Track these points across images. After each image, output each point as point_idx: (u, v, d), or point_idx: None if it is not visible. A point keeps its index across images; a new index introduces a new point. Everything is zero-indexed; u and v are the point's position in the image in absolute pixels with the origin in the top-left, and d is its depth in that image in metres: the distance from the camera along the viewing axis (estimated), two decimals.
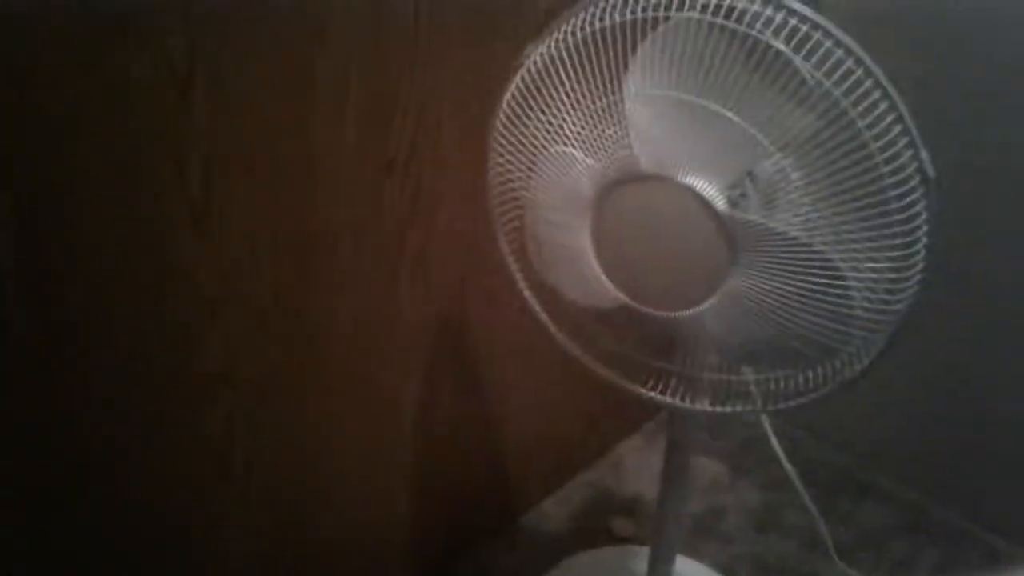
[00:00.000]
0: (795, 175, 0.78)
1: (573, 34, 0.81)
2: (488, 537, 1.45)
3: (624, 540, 1.47)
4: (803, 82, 0.73)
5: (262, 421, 0.99)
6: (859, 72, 0.72)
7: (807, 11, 0.72)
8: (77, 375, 0.82)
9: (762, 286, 0.80)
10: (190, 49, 0.78)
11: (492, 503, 1.46)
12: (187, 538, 0.99)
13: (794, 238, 0.78)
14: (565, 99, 0.84)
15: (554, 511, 1.52)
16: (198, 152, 0.83)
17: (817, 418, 1.59)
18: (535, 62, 0.84)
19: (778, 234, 0.78)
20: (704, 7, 0.74)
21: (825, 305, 0.78)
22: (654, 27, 0.77)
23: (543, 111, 0.85)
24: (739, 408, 0.93)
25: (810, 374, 0.87)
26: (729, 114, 0.75)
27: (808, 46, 0.72)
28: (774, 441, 1.07)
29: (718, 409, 0.95)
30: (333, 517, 1.15)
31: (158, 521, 0.95)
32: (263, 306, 0.94)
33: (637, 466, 1.63)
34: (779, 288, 0.79)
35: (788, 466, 1.12)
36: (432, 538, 1.34)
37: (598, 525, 1.50)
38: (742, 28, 0.72)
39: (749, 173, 0.81)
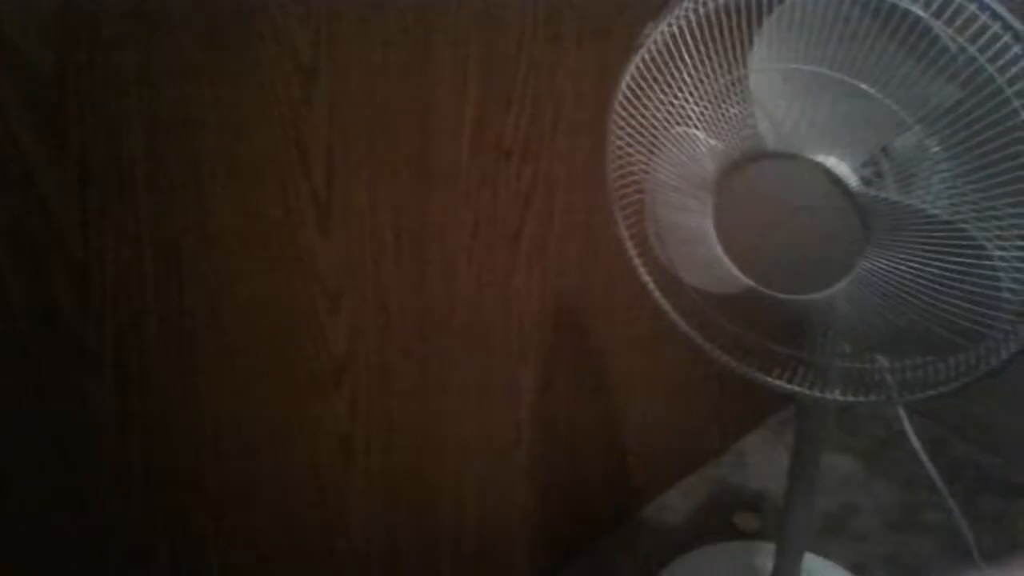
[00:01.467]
0: (935, 149, 0.74)
1: (695, 10, 0.78)
2: (610, 528, 1.43)
3: (748, 535, 1.43)
4: (944, 50, 0.69)
5: (383, 406, 1.01)
6: (1007, 37, 0.67)
7: None
8: (204, 364, 0.85)
9: (900, 267, 0.76)
10: (315, 38, 0.79)
11: (613, 493, 1.44)
12: (314, 517, 1.01)
13: (934, 216, 0.73)
14: (687, 78, 0.82)
15: (677, 504, 1.49)
16: (321, 144, 0.84)
17: (963, 417, 1.51)
18: (655, 41, 0.82)
19: (916, 212, 0.74)
20: None
21: (969, 287, 0.73)
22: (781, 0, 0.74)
23: (664, 91, 0.83)
24: (873, 398, 0.89)
25: (951, 362, 0.81)
26: (864, 86, 0.71)
27: (950, 11, 0.67)
28: (911, 434, 1.01)
29: (850, 399, 0.91)
30: (453, 502, 1.16)
31: (286, 500, 0.97)
32: (383, 295, 0.95)
33: (762, 461, 1.58)
34: (919, 269, 0.75)
35: (926, 460, 1.06)
36: (553, 526, 1.34)
37: (722, 520, 1.46)
38: None
39: (884, 149, 0.77)
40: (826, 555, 1.36)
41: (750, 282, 0.86)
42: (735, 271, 0.86)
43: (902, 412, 1.06)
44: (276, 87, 0.79)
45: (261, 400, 0.90)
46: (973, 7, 0.67)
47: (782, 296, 0.84)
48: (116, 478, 0.83)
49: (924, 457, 1.11)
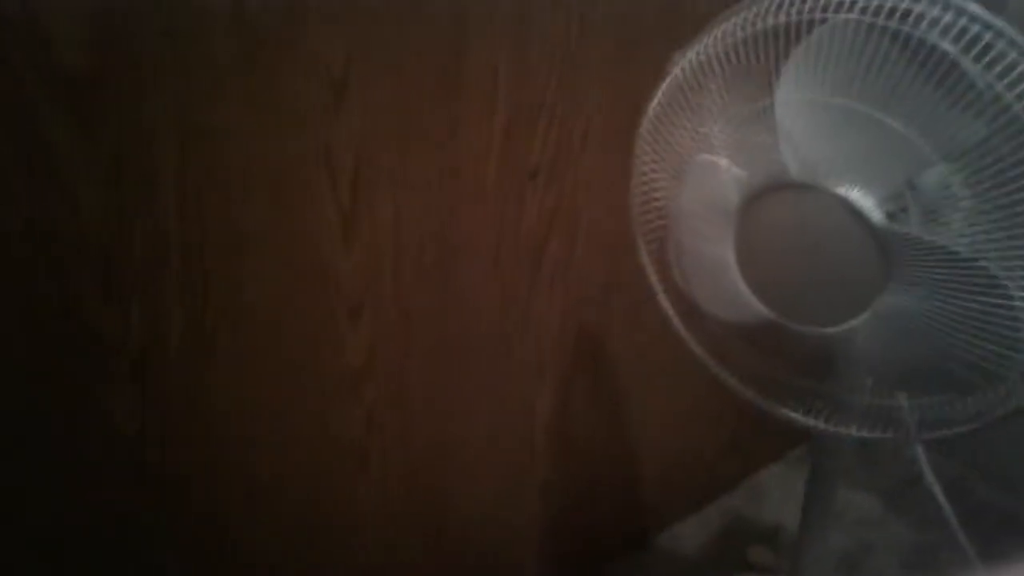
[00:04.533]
0: (960, 186, 0.73)
1: (724, 39, 0.79)
2: (622, 554, 1.42)
3: (762, 570, 1.41)
4: (972, 86, 0.69)
5: (400, 418, 1.01)
6: None
7: (977, 10, 0.68)
8: (228, 372, 0.86)
9: (921, 304, 0.75)
10: (346, 51, 0.80)
11: (627, 520, 1.43)
12: (324, 526, 1.01)
13: (957, 254, 0.73)
14: (714, 106, 0.82)
15: (690, 534, 1.48)
16: (349, 156, 0.85)
17: (987, 459, 1.49)
18: (683, 68, 0.82)
19: (939, 249, 0.73)
20: (864, 9, 0.70)
21: (990, 328, 0.73)
22: (809, 31, 0.74)
23: (690, 118, 0.84)
24: (890, 434, 0.88)
25: (970, 401, 0.81)
26: (890, 119, 0.71)
27: (978, 47, 0.67)
28: (927, 470, 1.00)
29: (867, 435, 0.90)
30: (465, 517, 1.15)
31: (302, 508, 0.98)
32: (404, 309, 0.96)
33: (779, 495, 1.56)
34: (939, 307, 0.74)
35: (940, 495, 1.04)
36: (564, 548, 1.33)
37: (736, 553, 1.44)
38: (906, 29, 0.69)
39: (910, 183, 0.76)
40: None
41: (769, 313, 0.85)
42: (754, 301, 0.86)
43: (920, 450, 1.04)
44: (307, 99, 0.80)
45: (278, 405, 0.91)
46: (1002, 44, 0.67)
47: (801, 328, 0.84)
48: (130, 478, 0.83)
49: (938, 493, 1.09)
